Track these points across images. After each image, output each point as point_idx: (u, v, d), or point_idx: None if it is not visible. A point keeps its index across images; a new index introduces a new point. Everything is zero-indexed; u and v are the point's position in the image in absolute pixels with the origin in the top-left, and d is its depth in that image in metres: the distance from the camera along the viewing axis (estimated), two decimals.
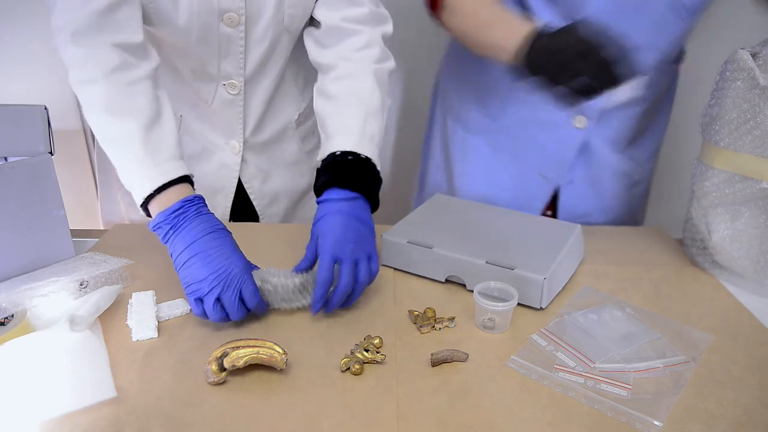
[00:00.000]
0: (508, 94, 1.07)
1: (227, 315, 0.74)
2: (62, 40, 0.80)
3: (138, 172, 0.77)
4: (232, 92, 0.98)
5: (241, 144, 1.04)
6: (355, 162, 0.84)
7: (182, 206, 0.76)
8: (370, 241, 0.80)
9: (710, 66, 0.99)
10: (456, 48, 1.17)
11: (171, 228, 0.76)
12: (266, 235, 1.02)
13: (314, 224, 0.81)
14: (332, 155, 0.84)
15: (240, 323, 0.78)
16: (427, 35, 1.22)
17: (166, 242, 0.77)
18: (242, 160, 1.06)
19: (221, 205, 1.08)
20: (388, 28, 0.99)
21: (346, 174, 0.82)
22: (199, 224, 0.76)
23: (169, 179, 0.77)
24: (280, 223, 1.15)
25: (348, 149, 0.84)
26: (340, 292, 0.77)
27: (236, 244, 0.77)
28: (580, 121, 1.06)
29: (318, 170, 0.86)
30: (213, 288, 0.73)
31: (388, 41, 0.99)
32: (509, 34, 0.87)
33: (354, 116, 0.88)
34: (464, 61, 1.13)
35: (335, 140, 0.86)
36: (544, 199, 1.13)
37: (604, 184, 1.12)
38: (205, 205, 0.79)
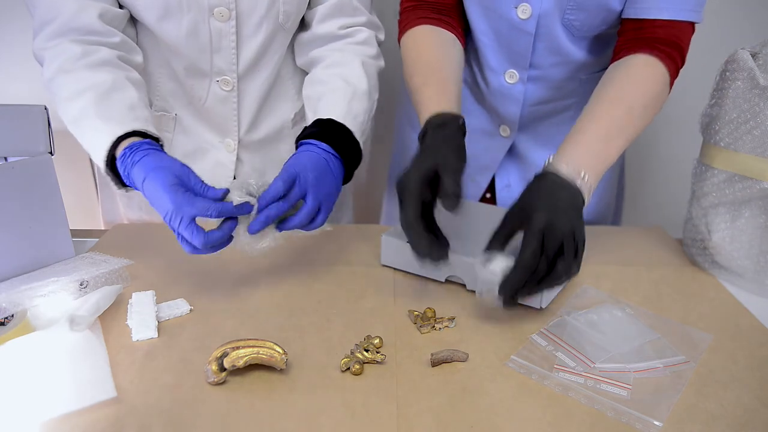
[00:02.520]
0: None
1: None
2: (35, 47, 0.87)
3: (93, 139, 0.79)
4: (225, 89, 0.98)
5: (236, 142, 1.04)
6: (340, 127, 0.87)
7: (123, 160, 0.77)
8: (330, 191, 0.81)
9: (710, 66, 0.99)
10: None
11: (133, 182, 0.77)
12: None
13: (286, 161, 0.82)
14: (318, 120, 0.88)
15: (240, 323, 0.78)
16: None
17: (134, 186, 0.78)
18: (237, 159, 1.06)
19: None
20: (381, 35, 1.05)
21: (331, 134, 0.85)
22: (143, 174, 0.75)
23: (114, 138, 0.77)
24: None
25: (334, 117, 0.87)
26: (304, 215, 0.78)
27: (171, 181, 0.73)
28: (504, 130, 1.08)
29: (304, 129, 0.88)
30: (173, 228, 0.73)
31: (380, 44, 1.05)
32: (420, 119, 0.87)
33: (341, 96, 0.91)
34: None
35: (323, 111, 0.90)
36: (476, 200, 1.15)
37: None
38: (147, 149, 0.77)
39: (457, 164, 0.75)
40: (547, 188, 0.75)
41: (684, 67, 0.91)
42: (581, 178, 0.76)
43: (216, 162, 1.05)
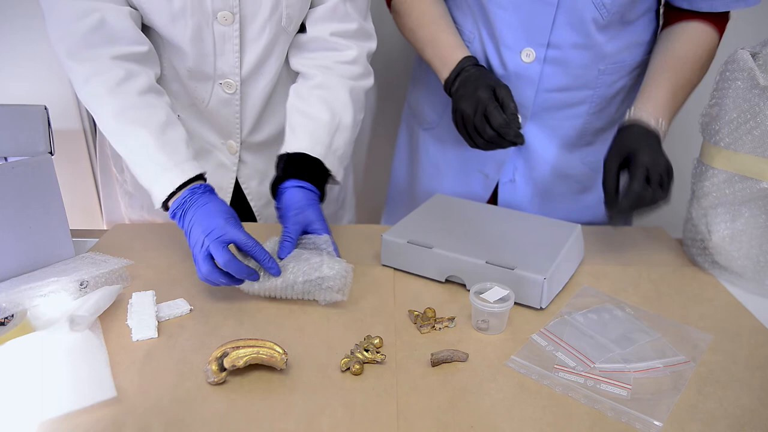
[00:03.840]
0: None
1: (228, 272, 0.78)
2: (61, 54, 0.85)
3: (158, 173, 0.83)
4: (228, 91, 0.98)
5: (239, 144, 1.04)
6: (317, 164, 0.93)
7: (190, 193, 0.83)
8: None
9: (710, 66, 0.99)
10: None
11: (181, 211, 0.82)
12: (263, 236, 1.01)
13: (288, 208, 0.90)
14: (300, 154, 0.92)
15: (240, 323, 0.78)
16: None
17: (181, 225, 0.83)
18: (239, 160, 1.06)
19: None
20: (373, 44, 1.04)
21: (311, 173, 0.93)
22: (203, 203, 0.82)
23: (188, 177, 0.83)
24: (277, 224, 1.14)
25: (315, 155, 0.93)
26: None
27: (227, 213, 0.82)
28: None
29: (282, 158, 0.93)
30: (202, 245, 0.78)
31: (370, 57, 1.04)
32: (441, 63, 0.97)
33: (325, 129, 0.95)
34: (420, 59, 1.16)
35: (304, 141, 0.94)
36: (486, 196, 1.14)
37: (547, 186, 1.11)
38: (211, 190, 0.86)
39: (507, 88, 0.93)
40: (640, 134, 0.89)
41: None
42: (659, 125, 0.91)
43: (218, 163, 1.05)
